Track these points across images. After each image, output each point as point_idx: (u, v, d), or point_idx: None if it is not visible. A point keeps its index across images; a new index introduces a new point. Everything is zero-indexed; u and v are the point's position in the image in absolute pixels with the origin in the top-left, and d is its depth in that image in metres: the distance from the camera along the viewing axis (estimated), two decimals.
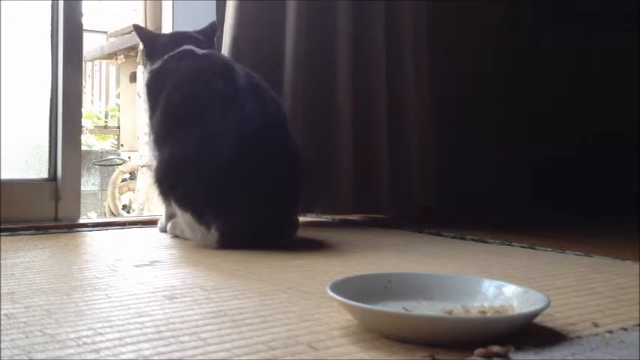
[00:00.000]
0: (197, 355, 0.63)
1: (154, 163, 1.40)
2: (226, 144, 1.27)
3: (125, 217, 3.36)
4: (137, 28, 1.58)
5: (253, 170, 1.27)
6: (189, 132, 1.31)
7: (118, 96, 6.00)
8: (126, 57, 5.44)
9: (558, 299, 0.87)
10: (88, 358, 0.62)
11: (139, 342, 0.67)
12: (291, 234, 1.39)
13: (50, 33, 1.65)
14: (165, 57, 1.47)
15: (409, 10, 1.96)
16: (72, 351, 0.64)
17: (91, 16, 6.03)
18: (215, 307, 0.82)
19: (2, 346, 0.64)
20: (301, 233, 1.48)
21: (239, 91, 1.32)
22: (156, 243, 1.36)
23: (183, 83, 1.40)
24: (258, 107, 1.31)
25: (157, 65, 1.48)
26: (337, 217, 1.87)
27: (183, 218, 1.32)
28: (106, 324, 0.73)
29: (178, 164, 1.31)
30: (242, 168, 1.27)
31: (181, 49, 1.48)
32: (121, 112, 5.54)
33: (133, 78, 4.82)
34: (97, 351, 0.64)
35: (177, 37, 1.54)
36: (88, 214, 4.31)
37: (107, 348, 0.65)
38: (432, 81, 2.05)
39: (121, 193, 4.45)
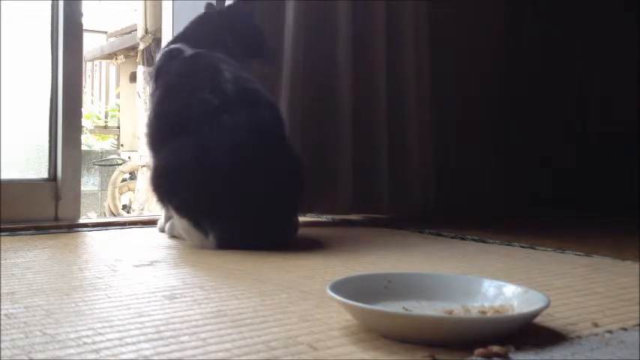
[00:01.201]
0: (197, 355, 0.63)
1: (151, 169, 1.41)
2: (219, 153, 1.26)
3: (125, 217, 3.36)
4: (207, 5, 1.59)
5: (248, 177, 1.26)
6: (180, 142, 1.30)
7: (118, 96, 6.01)
8: (126, 57, 5.45)
9: (558, 299, 0.87)
10: (88, 358, 0.62)
11: (139, 342, 0.67)
12: (291, 235, 1.38)
13: (50, 33, 1.64)
14: (161, 51, 1.49)
15: (410, 10, 1.96)
16: (72, 351, 0.63)
17: (91, 16, 6.04)
18: (215, 307, 0.82)
19: (2, 346, 0.64)
20: (301, 233, 1.48)
21: (228, 98, 1.30)
22: (155, 243, 1.36)
23: (171, 92, 1.40)
24: (251, 114, 1.29)
25: (156, 57, 1.51)
26: (337, 217, 1.87)
27: (181, 224, 1.32)
28: (106, 324, 0.73)
29: (172, 173, 1.31)
30: (236, 176, 1.26)
31: (169, 47, 1.48)
32: (121, 112, 5.55)
33: (133, 78, 4.82)
34: (97, 351, 0.64)
35: (203, 23, 1.56)
36: (88, 214, 4.31)
37: (107, 348, 0.65)
38: (432, 81, 2.05)
39: (121, 193, 4.45)
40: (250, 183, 1.26)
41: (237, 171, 1.26)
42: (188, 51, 1.45)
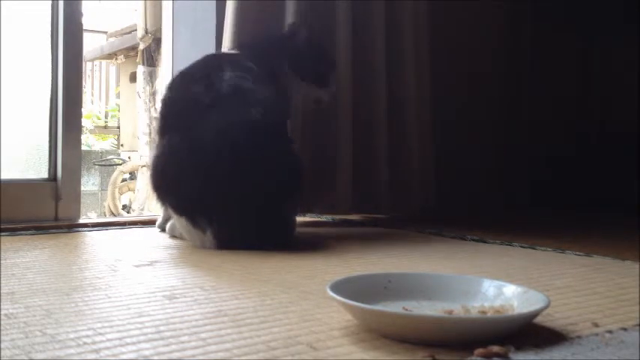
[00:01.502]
0: (197, 355, 0.63)
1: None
2: (204, 150, 1.26)
3: (125, 217, 3.36)
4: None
5: (238, 173, 1.26)
6: (172, 138, 1.32)
7: (118, 96, 6.01)
8: (126, 57, 5.45)
9: (558, 299, 0.87)
10: (88, 358, 0.62)
11: (139, 342, 0.67)
12: (289, 234, 1.38)
13: (50, 33, 1.64)
14: None
15: (410, 9, 1.96)
16: (72, 351, 0.63)
17: (91, 16, 6.04)
18: (215, 307, 0.82)
19: (2, 346, 0.64)
20: (301, 233, 1.48)
21: (220, 97, 1.30)
22: (155, 243, 1.36)
23: (176, 86, 1.43)
24: (239, 112, 1.29)
25: None
26: (337, 217, 1.87)
27: (180, 222, 1.33)
28: (106, 324, 0.73)
29: (165, 171, 1.32)
30: (225, 172, 1.25)
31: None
32: (121, 112, 5.55)
33: (133, 78, 4.82)
34: (97, 351, 0.64)
35: (264, 36, 1.62)
36: (88, 214, 4.32)
37: (107, 348, 0.65)
38: (432, 81, 2.05)
39: (121, 193, 4.45)
40: (239, 180, 1.26)
41: (223, 168, 1.25)
42: (221, 53, 1.49)
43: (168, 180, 1.32)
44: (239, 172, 1.26)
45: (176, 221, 1.35)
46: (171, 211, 1.35)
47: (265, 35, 1.62)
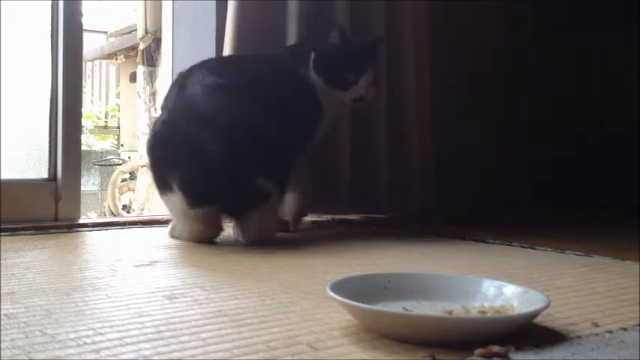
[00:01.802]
0: (197, 355, 0.63)
1: None
2: (171, 122, 1.37)
3: (125, 217, 3.36)
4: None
5: (197, 139, 1.31)
6: (157, 118, 1.48)
7: (118, 96, 6.01)
8: (126, 57, 5.45)
9: (558, 299, 0.87)
10: (88, 358, 0.62)
11: (139, 342, 0.67)
12: (242, 204, 1.36)
13: (50, 33, 1.64)
14: None
15: (410, 9, 1.96)
16: (72, 351, 0.63)
17: (91, 16, 6.04)
18: (215, 307, 0.82)
19: (2, 346, 0.64)
20: (301, 233, 1.48)
21: (189, 80, 1.41)
22: (155, 243, 1.36)
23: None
24: (196, 88, 1.37)
25: None
26: (337, 217, 1.87)
27: (164, 200, 1.39)
28: (106, 324, 0.73)
29: (150, 146, 1.42)
30: (186, 138, 1.32)
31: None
32: (121, 112, 5.55)
33: (133, 78, 4.82)
34: (97, 351, 0.64)
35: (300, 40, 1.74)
36: (88, 214, 4.32)
37: (107, 348, 0.65)
38: (432, 81, 2.05)
39: (121, 193, 4.46)
40: (199, 146, 1.31)
41: (184, 135, 1.32)
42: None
43: (153, 155, 1.41)
44: (198, 137, 1.31)
45: (161, 199, 1.40)
46: (155, 188, 1.41)
47: (302, 39, 1.72)
